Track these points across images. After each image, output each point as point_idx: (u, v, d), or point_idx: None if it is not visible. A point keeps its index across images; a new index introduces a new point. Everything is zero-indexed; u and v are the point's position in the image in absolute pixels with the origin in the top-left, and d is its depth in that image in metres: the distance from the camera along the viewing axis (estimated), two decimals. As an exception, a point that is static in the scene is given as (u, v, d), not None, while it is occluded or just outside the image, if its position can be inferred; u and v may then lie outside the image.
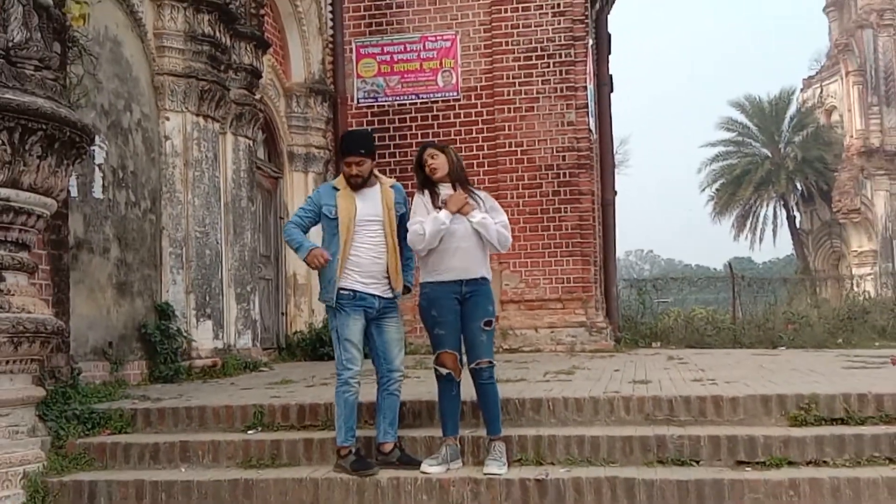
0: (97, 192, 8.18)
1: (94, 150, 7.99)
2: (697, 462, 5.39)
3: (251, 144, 10.75)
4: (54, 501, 5.49)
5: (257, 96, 10.92)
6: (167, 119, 9.36)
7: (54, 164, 5.72)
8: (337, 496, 5.29)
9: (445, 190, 5.62)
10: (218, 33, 9.73)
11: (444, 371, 5.53)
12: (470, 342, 5.52)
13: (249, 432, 6.09)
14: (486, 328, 5.52)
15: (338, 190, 5.68)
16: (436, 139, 12.21)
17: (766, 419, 5.76)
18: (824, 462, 5.27)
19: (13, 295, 5.56)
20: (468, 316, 5.53)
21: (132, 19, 8.95)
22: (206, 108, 9.60)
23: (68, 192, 7.12)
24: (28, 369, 5.72)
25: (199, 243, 9.45)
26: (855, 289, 26.24)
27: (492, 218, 5.55)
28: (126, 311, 8.53)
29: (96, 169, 8.16)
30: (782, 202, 41.29)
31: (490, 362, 5.51)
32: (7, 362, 5.46)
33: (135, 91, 8.97)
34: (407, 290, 5.83)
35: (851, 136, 35.64)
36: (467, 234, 5.52)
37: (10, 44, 5.52)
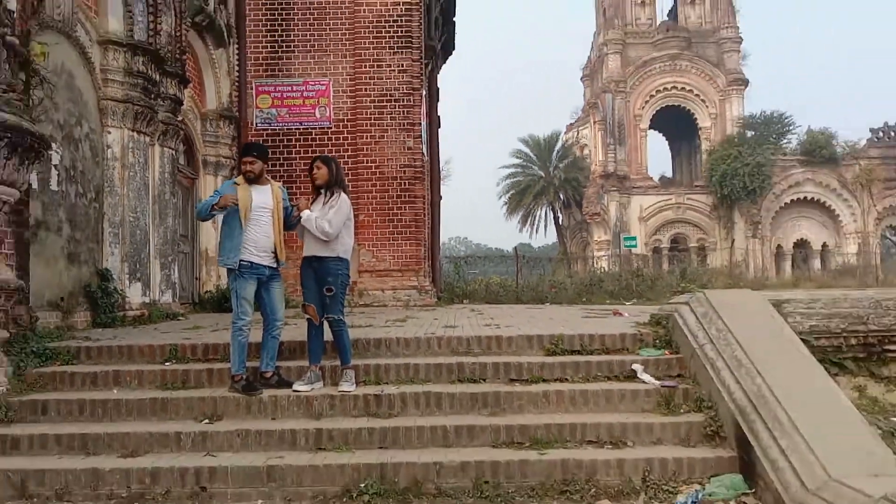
0: (53, 185, 7.62)
1: (51, 154, 7.46)
2: (484, 380, 5.45)
3: (174, 153, 10.18)
4: (15, 415, 5.10)
5: (179, 118, 10.38)
6: (109, 132, 8.77)
7: (17, 164, 5.31)
8: (231, 409, 5.11)
9: (320, 199, 5.55)
10: (150, 71, 9.19)
11: (306, 316, 5.53)
12: (324, 302, 5.47)
13: (166, 364, 5.79)
14: (328, 293, 5.44)
15: (237, 185, 5.49)
16: (314, 154, 12.05)
17: (530, 351, 5.89)
18: (566, 379, 5.41)
19: (-20, 261, 5.11)
20: (319, 283, 5.48)
21: (84, 58, 8.34)
22: (139, 126, 9.05)
23: (30, 185, 6.68)
24: (-6, 317, 5.29)
25: (132, 226, 8.90)
26: (595, 265, 27.48)
27: (330, 215, 5.43)
28: (75, 275, 7.97)
29: (52, 168, 7.59)
30: (551, 207, 42.75)
31: (335, 317, 5.45)
32: (-25, 312, 5.02)
33: (84, 111, 8.37)
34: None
35: (595, 165, 37.19)
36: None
37: (-20, 71, 5.07)
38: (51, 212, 7.54)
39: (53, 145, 7.46)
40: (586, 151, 39.84)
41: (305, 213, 5.47)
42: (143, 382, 5.53)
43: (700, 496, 4.15)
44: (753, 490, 4.14)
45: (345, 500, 4.25)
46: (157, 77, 9.45)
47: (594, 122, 37.65)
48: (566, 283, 17.21)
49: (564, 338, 5.88)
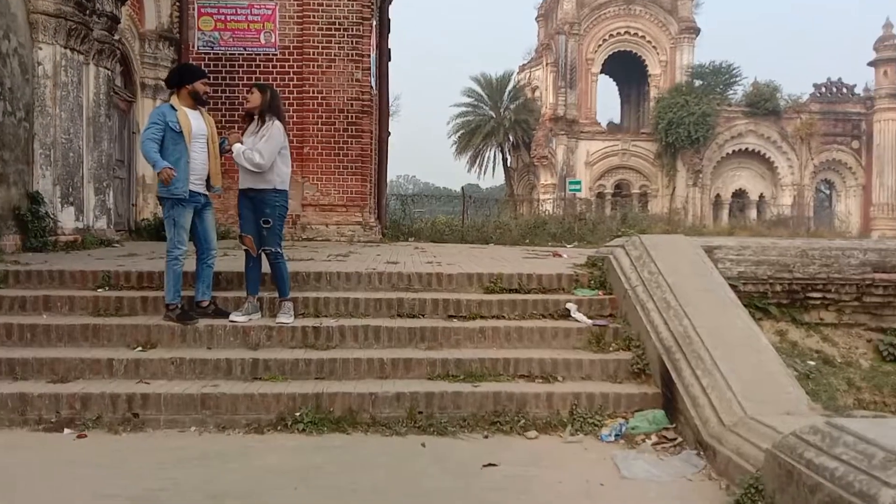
0: (-23, 101, 7.21)
1: (-26, 68, 7.04)
2: (423, 315, 5.51)
3: (110, 74, 9.72)
4: (-65, 339, 4.91)
5: (116, 37, 9.87)
6: (40, 49, 8.31)
7: (-67, 74, 4.95)
8: (165, 337, 5.05)
9: (251, 128, 5.43)
10: (84, -15, 8.68)
11: (243, 247, 5.47)
12: (261, 234, 5.38)
13: (99, 291, 5.63)
14: (265, 225, 5.35)
15: (176, 110, 5.24)
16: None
17: (470, 288, 5.93)
18: (503, 316, 5.51)
19: None
20: (256, 214, 5.39)
21: (9, -35, 7.81)
22: (72, 43, 8.59)
23: (-50, 99, 6.29)
24: (-90, 237, 5.04)
25: (64, 148, 8.52)
26: (540, 208, 27.71)
27: (260, 144, 5.27)
28: (3, 197, 7.63)
29: (-24, 83, 7.18)
30: (500, 148, 42.56)
31: (272, 250, 5.38)
32: None
33: (13, 24, 7.89)
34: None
35: (546, 107, 37.03)
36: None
37: None
38: (-25, 129, 7.16)
39: (-23, 58, 7.05)
40: (538, 93, 39.59)
41: (236, 147, 5.33)
42: (74, 308, 5.39)
43: (623, 429, 4.33)
44: (674, 425, 4.34)
45: (279, 427, 4.29)
46: (92, -8, 8.94)
47: (547, 64, 37.32)
48: (511, 225, 17.28)
49: (503, 276, 5.95)
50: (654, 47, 36.36)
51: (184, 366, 4.72)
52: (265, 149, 5.27)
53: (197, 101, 5.36)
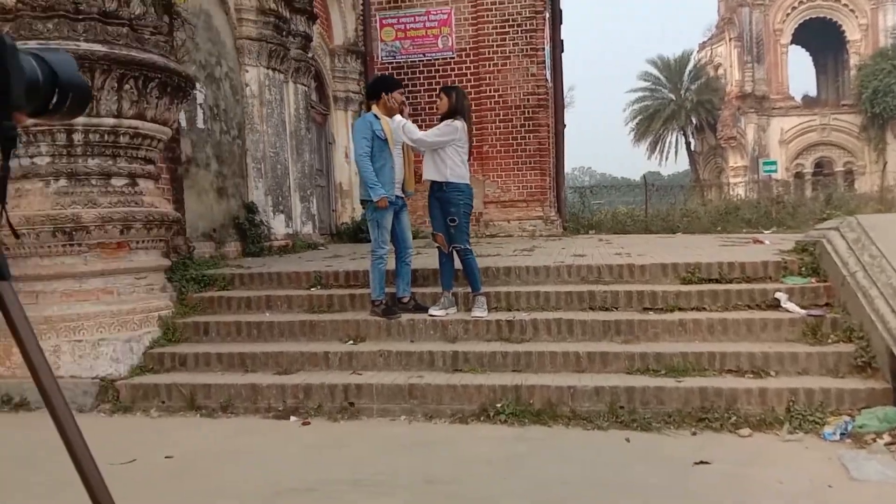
0: (200, 123, 8.09)
1: (196, 94, 7.89)
2: (616, 308, 5.44)
3: (307, 90, 10.48)
4: (180, 335, 5.61)
5: (310, 55, 10.63)
6: (247, 71, 9.14)
7: (168, 103, 5.65)
8: (372, 331, 5.40)
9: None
10: (280, 9, 9.43)
11: (435, 244, 5.72)
12: (449, 232, 5.57)
13: (312, 290, 6.15)
14: (451, 224, 5.53)
15: (378, 118, 5.56)
16: (438, 86, 12.06)
17: (665, 279, 5.77)
18: (703, 308, 5.30)
19: (144, 195, 5.56)
20: (444, 213, 5.59)
21: (219, -1, 8.70)
22: (273, 63, 9.38)
23: (179, 123, 7.09)
24: (157, 247, 5.76)
25: (272, 161, 9.34)
26: (731, 193, 26.14)
27: (431, 129, 5.59)
28: (224, 208, 8.51)
29: (198, 107, 8.04)
30: (682, 132, 40.80)
31: (461, 246, 5.54)
32: (143, 241, 5.50)
33: (223, 51, 8.76)
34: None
35: (731, 85, 34.97)
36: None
37: (132, 16, 5.41)
38: (199, 148, 8.03)
39: (197, 84, 7.89)
40: (721, 71, 37.40)
41: (396, 118, 5.56)
42: (292, 306, 5.92)
43: (849, 428, 3.98)
44: (910, 423, 3.92)
45: (482, 418, 4.41)
46: (287, 14, 9.69)
47: (729, 39, 35.18)
48: (699, 212, 16.48)
49: (701, 265, 5.71)
50: (851, 10, 33.02)
51: (391, 358, 5.01)
52: (430, 131, 5.56)
53: (391, 111, 5.66)
